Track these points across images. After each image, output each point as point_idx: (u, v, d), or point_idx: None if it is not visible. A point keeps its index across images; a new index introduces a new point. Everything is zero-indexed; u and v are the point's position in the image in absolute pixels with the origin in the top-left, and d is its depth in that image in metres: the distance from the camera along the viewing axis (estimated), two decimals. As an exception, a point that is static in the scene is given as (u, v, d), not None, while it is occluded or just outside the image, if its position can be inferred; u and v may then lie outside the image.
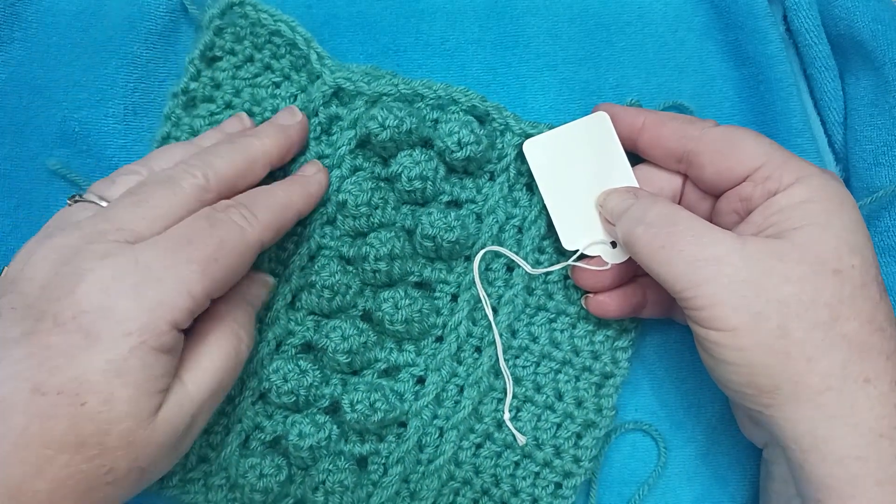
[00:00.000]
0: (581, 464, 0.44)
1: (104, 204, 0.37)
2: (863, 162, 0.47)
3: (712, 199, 0.42)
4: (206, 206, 0.37)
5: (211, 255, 0.35)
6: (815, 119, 0.50)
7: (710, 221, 0.40)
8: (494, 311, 0.45)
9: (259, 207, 0.38)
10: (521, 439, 0.44)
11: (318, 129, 0.45)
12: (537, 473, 0.45)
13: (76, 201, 0.38)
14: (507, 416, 0.44)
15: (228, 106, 0.46)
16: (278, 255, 0.45)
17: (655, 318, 0.46)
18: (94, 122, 0.46)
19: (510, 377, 0.44)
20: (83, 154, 0.46)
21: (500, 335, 0.44)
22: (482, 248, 0.44)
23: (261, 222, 0.38)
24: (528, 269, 0.44)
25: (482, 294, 0.44)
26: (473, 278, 0.44)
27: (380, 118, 0.42)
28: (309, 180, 0.43)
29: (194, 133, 0.45)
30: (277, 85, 0.46)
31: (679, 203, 0.43)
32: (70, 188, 0.46)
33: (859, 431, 0.34)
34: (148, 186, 0.36)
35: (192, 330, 0.36)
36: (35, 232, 0.45)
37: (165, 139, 0.45)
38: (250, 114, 0.46)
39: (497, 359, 0.44)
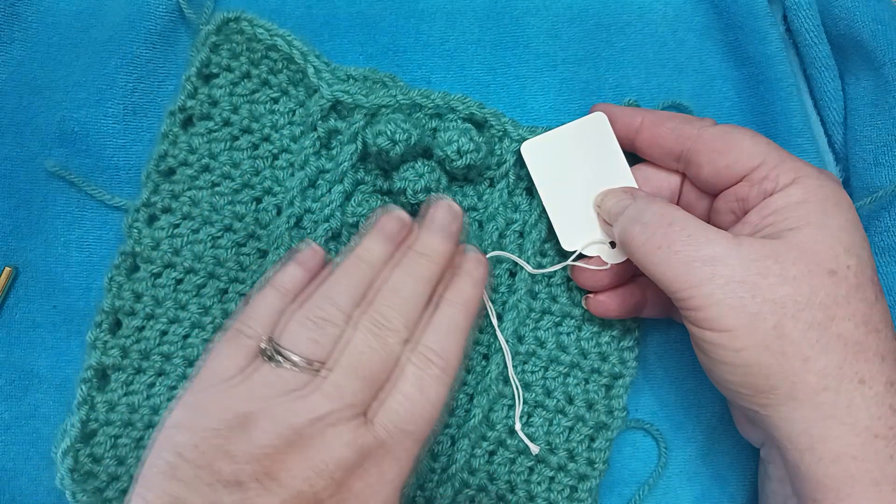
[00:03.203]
0: (595, 466, 0.44)
1: (320, 371, 0.36)
2: (863, 162, 0.47)
3: (710, 198, 0.42)
4: (413, 367, 0.37)
5: (427, 428, 0.37)
6: (815, 119, 0.50)
7: (708, 221, 0.40)
8: (499, 317, 0.45)
9: (449, 349, 0.38)
10: (535, 449, 0.44)
11: (318, 143, 0.45)
12: (552, 478, 0.45)
13: (271, 357, 0.37)
14: (518, 426, 0.44)
15: (227, 123, 0.45)
16: None
17: (655, 317, 0.46)
18: (94, 121, 0.45)
19: (519, 386, 0.44)
20: (82, 154, 0.45)
21: (507, 341, 0.44)
22: (484, 254, 0.44)
23: (452, 366, 0.38)
24: (529, 269, 0.44)
25: (487, 301, 0.44)
26: None
27: (388, 133, 0.42)
28: (475, 279, 0.41)
29: (192, 151, 0.45)
30: (276, 100, 0.46)
31: (677, 202, 0.43)
32: (69, 188, 0.46)
33: (855, 431, 0.34)
34: (364, 354, 0.37)
35: None
36: (34, 233, 0.45)
37: (163, 158, 0.44)
38: (249, 130, 0.45)
39: (505, 365, 0.44)
